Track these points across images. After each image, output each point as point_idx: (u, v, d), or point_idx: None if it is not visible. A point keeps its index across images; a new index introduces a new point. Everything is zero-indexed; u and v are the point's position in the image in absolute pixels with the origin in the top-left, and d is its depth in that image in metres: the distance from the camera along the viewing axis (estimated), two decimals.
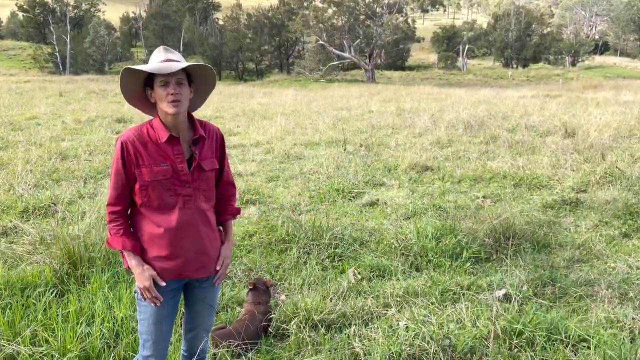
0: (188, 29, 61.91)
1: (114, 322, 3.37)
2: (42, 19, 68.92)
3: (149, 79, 2.27)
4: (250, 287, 3.60)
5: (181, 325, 2.74)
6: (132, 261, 2.30)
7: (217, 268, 2.46)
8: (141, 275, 2.28)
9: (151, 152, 2.26)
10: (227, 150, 2.57)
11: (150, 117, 2.39)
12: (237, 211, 2.60)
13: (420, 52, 73.17)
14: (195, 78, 2.35)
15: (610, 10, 75.96)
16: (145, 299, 2.32)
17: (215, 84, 2.44)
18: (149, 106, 2.36)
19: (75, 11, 69.83)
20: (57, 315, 3.40)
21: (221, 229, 2.56)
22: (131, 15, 76.93)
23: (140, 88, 2.31)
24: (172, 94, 2.20)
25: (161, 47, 2.32)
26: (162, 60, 2.25)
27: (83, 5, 70.67)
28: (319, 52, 53.99)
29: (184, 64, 2.24)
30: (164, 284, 2.31)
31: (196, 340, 2.58)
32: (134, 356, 3.05)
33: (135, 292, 2.42)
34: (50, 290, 3.80)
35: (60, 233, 4.39)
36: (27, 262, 4.34)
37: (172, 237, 2.30)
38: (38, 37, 68.91)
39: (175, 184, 2.29)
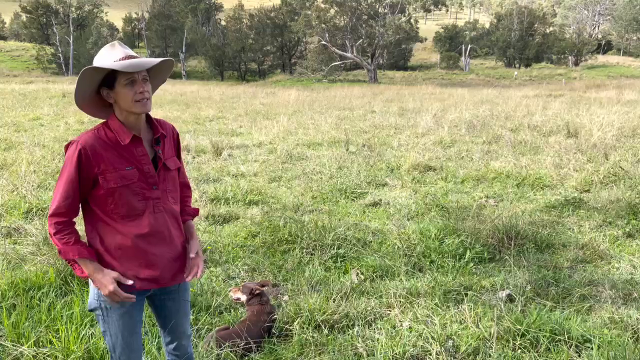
0: (190, 30, 61.99)
1: None
2: (45, 20, 69.10)
3: (106, 78, 2.09)
4: (257, 292, 3.58)
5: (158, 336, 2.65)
6: (90, 267, 2.10)
7: (190, 268, 2.33)
8: (103, 280, 2.09)
9: (113, 156, 2.10)
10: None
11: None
12: (196, 212, 2.50)
13: (423, 52, 73.08)
14: (152, 72, 2.21)
15: (613, 9, 75.70)
16: (113, 305, 2.15)
17: (168, 76, 2.34)
18: (102, 108, 2.19)
19: (78, 12, 70.02)
20: (61, 316, 3.42)
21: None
22: (134, 16, 77.14)
23: (95, 88, 2.13)
24: (140, 92, 2.08)
25: (115, 43, 2.13)
26: (122, 57, 2.06)
27: (86, 6, 70.88)
28: (321, 52, 53.96)
29: (158, 59, 2.15)
30: (130, 282, 2.14)
31: (180, 349, 2.48)
32: None
33: (94, 309, 2.22)
34: (54, 291, 3.82)
35: None
36: (31, 263, 4.36)
37: (145, 244, 2.17)
38: (41, 38, 69.10)
39: (143, 187, 2.16)
